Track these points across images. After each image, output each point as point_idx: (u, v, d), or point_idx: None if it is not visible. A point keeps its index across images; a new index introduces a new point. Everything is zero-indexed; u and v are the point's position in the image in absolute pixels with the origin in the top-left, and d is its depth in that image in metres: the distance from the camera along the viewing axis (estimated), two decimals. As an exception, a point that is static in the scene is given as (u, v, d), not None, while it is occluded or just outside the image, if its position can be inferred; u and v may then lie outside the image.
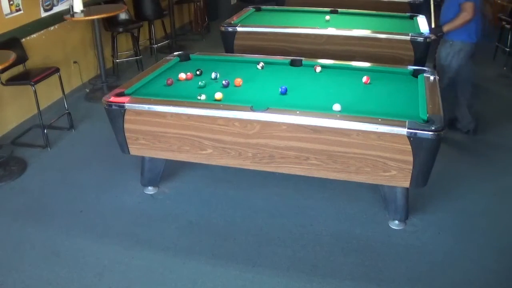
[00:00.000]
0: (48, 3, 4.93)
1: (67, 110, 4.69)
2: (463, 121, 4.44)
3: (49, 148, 4.33)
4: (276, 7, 6.11)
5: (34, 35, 4.79)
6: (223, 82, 3.46)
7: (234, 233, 3.21)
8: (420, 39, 4.43)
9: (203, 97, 3.21)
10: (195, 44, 7.41)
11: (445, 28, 4.12)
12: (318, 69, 3.78)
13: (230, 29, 4.85)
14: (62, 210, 3.47)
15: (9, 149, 4.26)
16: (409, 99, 3.25)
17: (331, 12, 5.50)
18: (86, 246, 3.10)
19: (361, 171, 2.99)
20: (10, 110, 4.56)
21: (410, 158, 2.85)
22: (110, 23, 5.82)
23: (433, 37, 4.24)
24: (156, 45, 6.66)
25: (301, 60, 3.96)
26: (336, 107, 3.02)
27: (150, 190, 3.66)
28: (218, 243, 3.13)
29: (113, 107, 3.20)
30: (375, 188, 3.48)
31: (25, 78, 4.33)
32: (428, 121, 2.83)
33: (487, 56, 6.41)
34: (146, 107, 3.16)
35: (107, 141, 4.19)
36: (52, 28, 5.05)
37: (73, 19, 5.04)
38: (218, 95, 3.20)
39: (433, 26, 4.17)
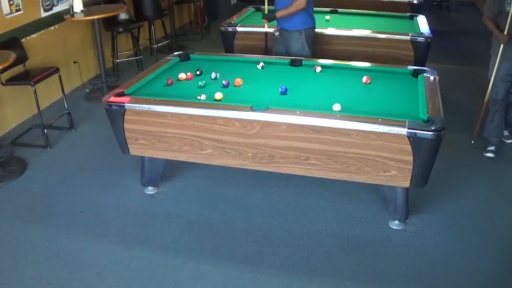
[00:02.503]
0: (48, 3, 4.93)
1: (67, 110, 4.69)
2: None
3: (49, 148, 4.33)
4: (276, 7, 6.11)
5: (34, 35, 4.79)
6: (223, 82, 3.46)
7: (234, 233, 3.21)
8: (420, 39, 4.44)
9: (203, 97, 3.21)
10: (195, 44, 7.40)
11: (279, 14, 4.22)
12: (318, 69, 3.78)
13: (230, 29, 4.85)
14: (62, 210, 3.47)
15: (9, 149, 4.25)
16: (409, 99, 3.25)
17: (331, 12, 5.51)
18: (86, 246, 3.10)
19: (361, 171, 2.99)
20: (10, 110, 4.56)
21: (410, 158, 2.85)
22: (110, 23, 5.81)
23: (265, 22, 4.42)
24: (156, 45, 6.65)
25: (301, 60, 3.96)
26: (336, 107, 3.02)
27: (150, 190, 3.66)
28: (218, 243, 3.12)
29: (113, 107, 3.20)
30: (375, 188, 3.48)
31: (25, 78, 4.33)
32: (428, 121, 2.83)
33: (487, 57, 6.38)
34: (146, 107, 3.16)
35: (107, 141, 4.18)
36: (52, 28, 5.05)
37: (73, 19, 5.04)
38: (218, 95, 3.20)
39: (266, 12, 4.33)
